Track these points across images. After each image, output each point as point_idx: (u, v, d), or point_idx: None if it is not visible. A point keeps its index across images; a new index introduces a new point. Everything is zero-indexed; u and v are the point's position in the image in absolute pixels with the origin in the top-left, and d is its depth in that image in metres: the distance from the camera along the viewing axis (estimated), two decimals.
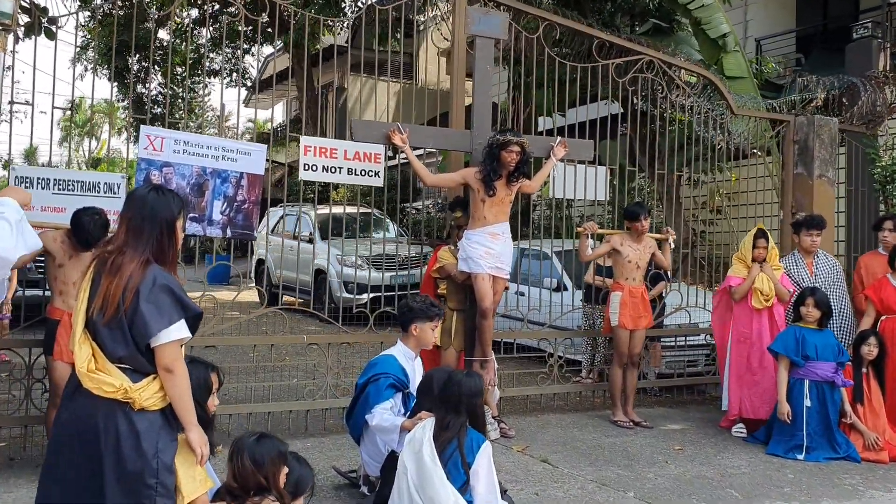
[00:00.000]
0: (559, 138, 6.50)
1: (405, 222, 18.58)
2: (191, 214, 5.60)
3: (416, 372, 4.61)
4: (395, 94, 24.29)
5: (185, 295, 3.00)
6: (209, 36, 25.84)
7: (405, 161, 6.30)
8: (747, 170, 9.13)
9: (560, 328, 7.60)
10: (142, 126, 5.66)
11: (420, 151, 6.53)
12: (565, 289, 8.87)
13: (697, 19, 10.21)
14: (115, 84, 26.83)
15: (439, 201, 18.56)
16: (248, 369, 6.11)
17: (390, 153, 6.38)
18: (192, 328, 3.03)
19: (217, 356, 5.86)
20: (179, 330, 2.93)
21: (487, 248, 5.80)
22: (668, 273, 7.70)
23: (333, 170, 5.96)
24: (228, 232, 5.70)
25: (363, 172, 6.08)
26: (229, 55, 26.23)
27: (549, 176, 6.48)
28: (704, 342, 8.03)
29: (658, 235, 7.02)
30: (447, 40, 6.64)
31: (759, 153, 9.28)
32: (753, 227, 8.72)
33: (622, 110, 11.25)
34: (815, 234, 6.67)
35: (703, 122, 8.25)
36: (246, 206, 5.73)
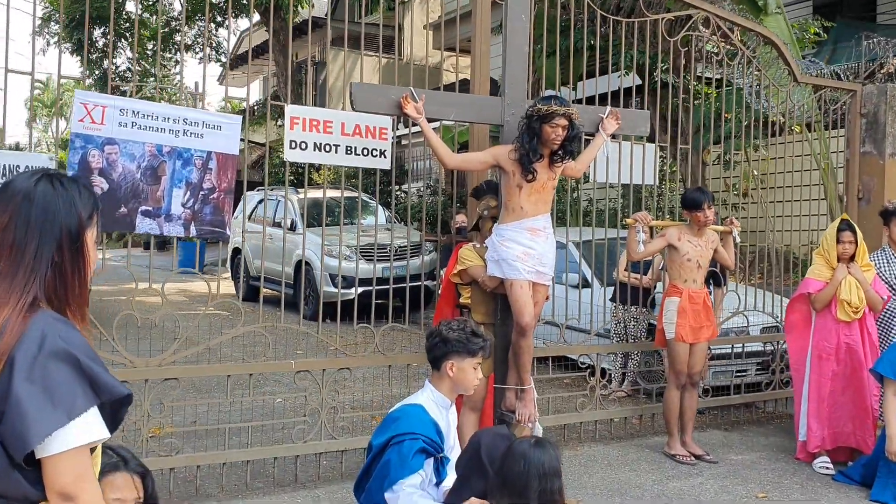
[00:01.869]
0: (609, 108, 5.22)
1: (397, 208, 17.32)
2: (143, 207, 4.28)
3: (451, 426, 3.36)
4: (379, 69, 22.90)
5: (99, 364, 1.72)
6: (181, 6, 24.40)
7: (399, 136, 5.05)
8: (782, 148, 7.91)
9: (603, 335, 6.37)
10: (76, 91, 4.33)
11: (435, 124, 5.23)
12: (589, 286, 7.64)
13: None
14: (79, 58, 25.30)
15: (430, 184, 17.26)
16: (221, 406, 4.82)
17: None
18: (114, 420, 1.75)
19: (180, 392, 4.57)
20: (86, 429, 1.66)
21: (526, 248, 4.53)
22: (727, 274, 6.50)
23: (328, 148, 4.65)
24: (193, 229, 4.39)
25: (365, 151, 4.78)
26: (202, 28, 24.76)
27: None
28: (757, 349, 6.86)
29: (721, 228, 5.78)
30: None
31: (798, 128, 8.08)
32: (793, 211, 7.64)
33: (639, 81, 10.03)
34: None
35: (754, 91, 7.02)
36: (215, 195, 4.42)
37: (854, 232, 5.33)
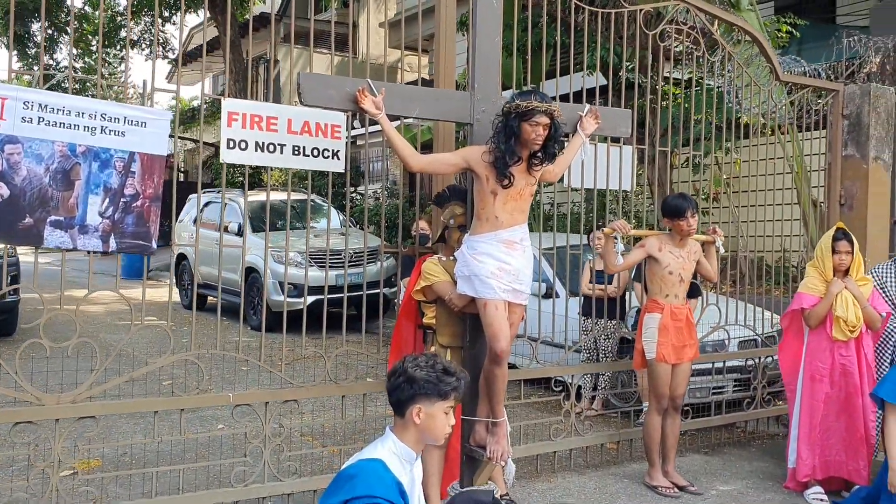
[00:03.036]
0: (588, 106, 4.71)
1: (354, 212, 16.64)
2: (52, 217, 3.64)
3: (415, 482, 2.80)
4: (333, 67, 22.20)
5: None
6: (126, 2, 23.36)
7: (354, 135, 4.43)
8: (755, 150, 7.49)
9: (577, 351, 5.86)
10: None
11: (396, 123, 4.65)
12: (556, 296, 7.14)
13: None
14: (16, 53, 24.14)
15: (388, 186, 16.63)
16: (147, 446, 4.18)
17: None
18: None
19: (97, 432, 3.92)
20: None
21: (502, 263, 4.00)
22: (707, 285, 6.06)
23: (271, 147, 4.06)
24: (112, 244, 3.74)
25: (315, 152, 4.19)
26: (149, 24, 23.82)
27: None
28: (737, 364, 6.44)
29: (703, 237, 5.32)
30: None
31: (781, 129, 7.70)
32: (766, 216, 7.25)
33: (604, 82, 9.60)
34: None
35: (734, 90, 6.60)
36: (139, 203, 3.79)
37: (851, 241, 4.91)
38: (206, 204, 13.46)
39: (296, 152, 4.13)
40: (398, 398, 2.74)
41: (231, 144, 3.96)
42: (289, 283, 10.72)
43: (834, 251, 4.94)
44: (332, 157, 4.24)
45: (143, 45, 24.34)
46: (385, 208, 14.84)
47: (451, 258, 4.26)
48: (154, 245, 3.84)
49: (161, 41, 24.12)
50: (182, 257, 14.11)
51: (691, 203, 5.02)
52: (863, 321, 4.86)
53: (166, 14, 21.93)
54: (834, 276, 4.90)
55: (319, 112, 4.14)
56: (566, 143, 4.61)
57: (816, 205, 8.35)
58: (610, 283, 6.41)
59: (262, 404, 4.10)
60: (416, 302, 4.43)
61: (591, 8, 5.32)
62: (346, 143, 4.29)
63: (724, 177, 8.83)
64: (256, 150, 4.02)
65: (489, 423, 4.17)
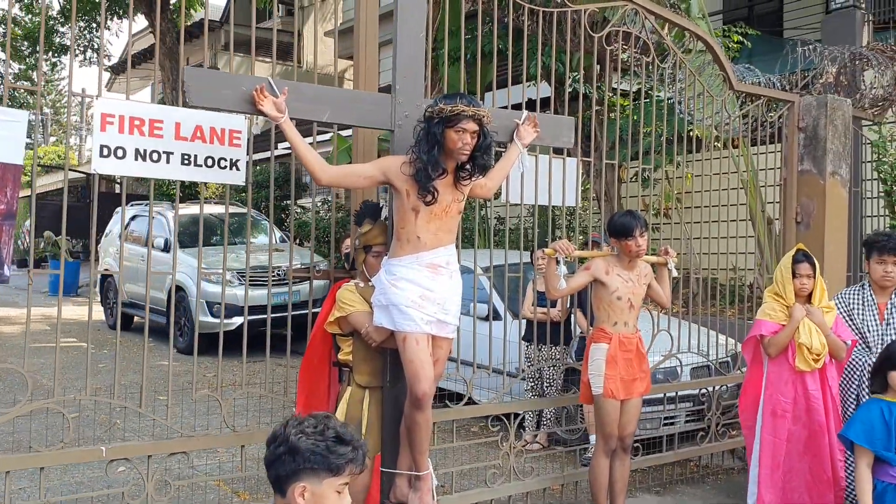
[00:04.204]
0: (526, 113, 4.21)
1: (286, 225, 15.94)
2: None
3: None
4: (275, 76, 21.53)
5: None
6: (59, 6, 22.39)
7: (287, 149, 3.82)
8: (706, 164, 7.10)
9: (514, 375, 5.31)
10: None
11: (309, 139, 4.05)
12: (498, 318, 6.63)
13: None
14: None
15: (330, 199, 15.99)
16: None
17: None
18: None
19: None
20: None
21: (424, 290, 3.45)
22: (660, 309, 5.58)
23: (155, 156, 3.45)
24: None
25: (210, 161, 3.60)
26: (83, 29, 22.84)
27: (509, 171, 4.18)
28: (690, 393, 6.00)
29: (653, 258, 4.85)
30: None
31: (721, 142, 7.34)
32: (720, 233, 6.87)
33: (549, 94, 9.17)
34: (894, 262, 4.60)
35: (686, 100, 6.19)
36: None
37: (813, 264, 4.48)
38: (133, 217, 12.69)
39: (185, 161, 3.53)
40: (277, 473, 2.16)
41: (105, 152, 3.35)
42: (218, 303, 10.05)
43: (794, 275, 4.50)
44: (231, 168, 3.65)
45: (77, 52, 23.35)
46: (324, 222, 14.19)
47: (370, 284, 3.70)
48: (6, 271, 3.20)
49: (96, 47, 23.13)
50: (108, 273, 13.27)
51: (640, 221, 4.54)
52: (826, 350, 4.43)
53: (100, 18, 21.06)
54: (795, 301, 4.47)
55: (215, 115, 3.56)
56: (503, 154, 4.10)
57: (771, 222, 8.01)
58: (553, 305, 5.92)
59: (144, 458, 3.47)
60: (331, 335, 3.85)
61: (532, 6, 4.82)
62: (248, 149, 3.71)
63: (675, 192, 8.45)
64: (137, 159, 3.41)
65: (412, 477, 3.61)
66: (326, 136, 14.56)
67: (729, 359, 6.40)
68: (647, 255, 4.69)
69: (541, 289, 5.41)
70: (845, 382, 4.68)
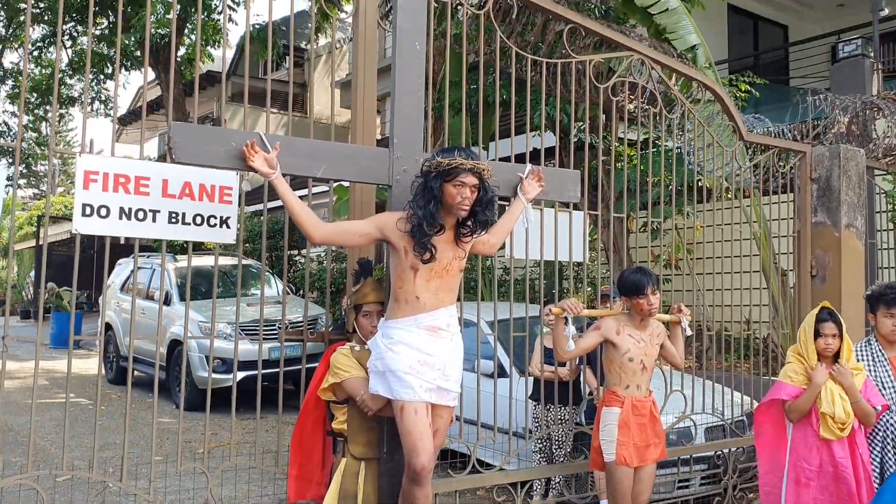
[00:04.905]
0: (530, 166, 4.04)
1: (294, 277, 15.75)
2: None
3: None
4: (283, 126, 21.63)
5: None
6: (67, 59, 22.63)
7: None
8: (717, 214, 6.93)
9: (520, 435, 5.05)
10: None
11: (303, 192, 3.91)
12: (504, 375, 6.37)
13: (660, 27, 8.10)
14: None
15: (333, 249, 15.84)
16: None
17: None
18: None
19: None
20: None
21: (424, 355, 3.25)
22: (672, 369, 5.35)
23: (140, 215, 3.28)
24: None
25: (199, 219, 3.43)
26: (91, 82, 23.07)
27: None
28: (704, 455, 5.72)
29: (666, 317, 4.63)
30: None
31: (731, 193, 7.18)
32: (732, 284, 6.66)
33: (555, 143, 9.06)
34: None
35: (695, 150, 6.03)
36: None
37: (838, 323, 4.25)
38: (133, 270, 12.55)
39: (173, 220, 3.36)
40: None
41: (87, 211, 3.19)
42: (217, 358, 9.83)
43: (818, 334, 4.26)
44: (221, 226, 3.49)
45: (84, 103, 23.56)
46: (325, 273, 14.00)
47: (366, 348, 3.49)
48: None
49: (103, 99, 23.31)
50: (108, 327, 13.07)
51: (651, 278, 4.34)
52: (854, 416, 4.17)
53: (108, 70, 21.29)
54: (819, 362, 4.23)
55: (205, 171, 3.40)
56: (507, 209, 3.93)
57: (784, 274, 7.80)
58: (563, 365, 5.69)
59: None
60: (325, 402, 3.64)
61: (535, 57, 4.70)
62: (239, 205, 3.54)
63: (686, 242, 8.27)
64: (121, 218, 3.25)
65: None
66: (323, 188, 14.47)
67: (744, 418, 6.13)
68: (658, 312, 4.48)
69: (549, 345, 5.20)
70: (869, 444, 4.42)
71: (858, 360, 4.46)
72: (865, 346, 4.56)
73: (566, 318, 4.24)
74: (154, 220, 3.32)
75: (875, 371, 4.45)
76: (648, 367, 4.39)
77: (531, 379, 5.64)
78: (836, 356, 4.25)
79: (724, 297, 6.84)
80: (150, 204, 3.30)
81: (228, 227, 3.51)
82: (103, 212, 3.21)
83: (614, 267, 8.45)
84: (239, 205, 3.56)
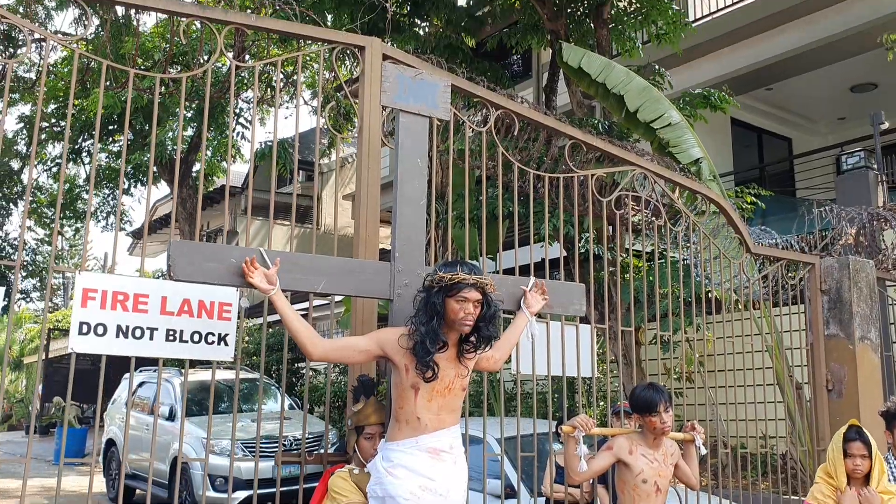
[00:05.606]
0: (534, 279, 4.00)
1: (296, 391, 15.52)
2: None
3: None
4: (293, 238, 21.88)
5: None
6: (85, 175, 23.21)
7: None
8: (727, 326, 6.82)
9: None
10: None
11: (303, 305, 3.89)
12: (512, 496, 6.13)
13: (663, 142, 8.23)
14: None
15: (339, 366, 15.66)
16: None
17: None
18: None
19: None
20: None
21: (424, 480, 3.11)
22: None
23: (138, 333, 3.24)
24: None
25: (196, 337, 3.37)
26: (107, 196, 23.59)
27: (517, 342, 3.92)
28: None
29: (680, 435, 4.47)
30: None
31: (741, 305, 7.09)
32: (746, 398, 6.46)
33: (562, 254, 9.07)
34: None
35: (702, 263, 5.99)
36: None
37: (867, 443, 4.08)
38: (141, 384, 12.39)
39: (170, 338, 3.31)
40: None
41: (84, 329, 3.14)
42: (220, 476, 9.55)
43: (846, 454, 4.09)
44: (219, 343, 3.43)
45: (99, 217, 24.03)
46: (334, 386, 13.75)
47: (366, 471, 3.36)
48: None
49: (119, 213, 23.75)
50: (111, 443, 12.79)
51: (664, 395, 4.20)
52: None
53: (125, 186, 21.80)
54: (848, 484, 4.04)
55: (204, 288, 3.37)
56: (511, 323, 3.86)
57: (800, 387, 7.61)
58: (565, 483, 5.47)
59: None
60: None
61: (537, 172, 4.74)
62: (238, 322, 3.49)
63: (697, 355, 8.12)
64: (118, 336, 3.20)
65: None
66: (326, 301, 14.38)
67: None
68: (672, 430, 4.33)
69: (562, 462, 5.02)
70: None
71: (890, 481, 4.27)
72: (884, 462, 4.37)
73: (579, 437, 4.09)
74: (151, 337, 3.27)
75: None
76: (663, 489, 4.20)
77: (542, 500, 5.41)
78: (868, 477, 4.07)
79: (737, 411, 6.64)
80: (147, 321, 3.26)
81: (227, 343, 3.45)
82: (100, 330, 3.16)
83: (625, 379, 8.29)
84: (238, 320, 3.51)
